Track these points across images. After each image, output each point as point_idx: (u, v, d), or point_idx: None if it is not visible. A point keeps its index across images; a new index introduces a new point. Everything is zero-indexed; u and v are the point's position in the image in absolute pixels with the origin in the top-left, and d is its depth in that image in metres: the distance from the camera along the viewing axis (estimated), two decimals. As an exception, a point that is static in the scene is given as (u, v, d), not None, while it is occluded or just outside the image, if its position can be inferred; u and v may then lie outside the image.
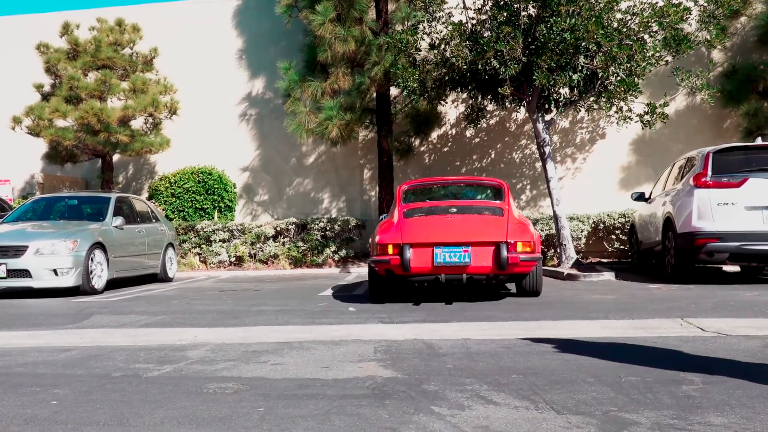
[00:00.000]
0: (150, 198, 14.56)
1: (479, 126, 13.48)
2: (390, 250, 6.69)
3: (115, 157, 14.76)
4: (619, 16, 10.06)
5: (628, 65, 9.87)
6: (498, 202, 7.70)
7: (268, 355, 4.39)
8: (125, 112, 13.15)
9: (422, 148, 14.44)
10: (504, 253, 6.46)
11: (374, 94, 13.07)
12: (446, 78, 10.99)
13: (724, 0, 10.09)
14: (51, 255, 8.68)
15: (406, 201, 7.98)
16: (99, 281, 9.18)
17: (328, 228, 13.37)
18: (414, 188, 8.63)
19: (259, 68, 15.21)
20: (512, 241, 6.54)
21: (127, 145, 13.25)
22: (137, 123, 14.05)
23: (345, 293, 8.42)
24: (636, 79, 10.05)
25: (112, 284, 9.89)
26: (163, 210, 14.04)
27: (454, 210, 7.34)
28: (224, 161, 14.80)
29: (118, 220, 9.88)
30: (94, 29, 13.81)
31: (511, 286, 8.47)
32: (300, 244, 13.40)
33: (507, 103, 11.73)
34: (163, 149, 13.94)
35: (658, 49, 10.03)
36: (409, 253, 6.58)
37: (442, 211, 7.36)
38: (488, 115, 13.78)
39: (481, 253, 6.57)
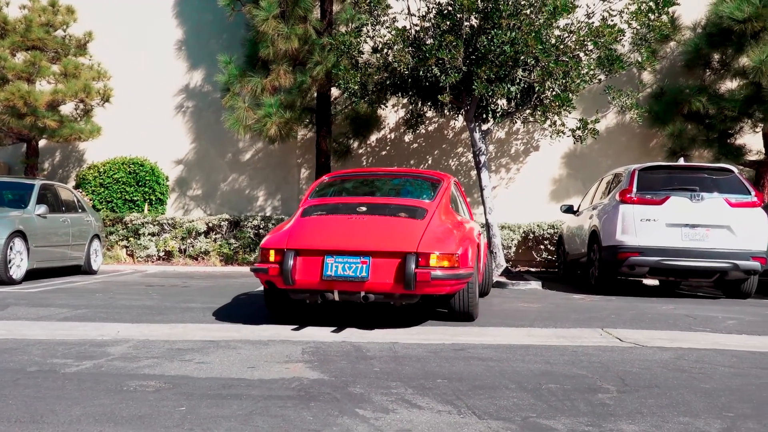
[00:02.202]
0: (77, 187, 14.06)
1: (418, 131, 13.63)
2: (271, 256, 5.39)
3: (42, 143, 14.19)
4: (557, 32, 10.37)
5: (564, 81, 10.19)
6: (425, 200, 6.12)
7: (193, 353, 4.32)
8: (54, 97, 12.66)
9: (360, 151, 14.47)
10: (411, 267, 5.07)
11: (315, 94, 13.02)
12: (387, 82, 11.06)
13: (656, 25, 10.53)
14: (-34, 242, 8.29)
15: (319, 195, 6.56)
16: (18, 271, 8.81)
17: (261, 226, 13.23)
18: (341, 179, 7.09)
19: (198, 60, 14.92)
20: (425, 252, 5.17)
21: (54, 130, 12.75)
22: (67, 108, 13.54)
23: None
24: (570, 95, 10.38)
25: (32, 275, 9.50)
26: (90, 200, 13.58)
27: (364, 209, 5.86)
28: (157, 153, 14.43)
29: (42, 209, 9.51)
30: (25, 8, 13.24)
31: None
32: (232, 241, 13.21)
33: (446, 111, 11.89)
34: (93, 137, 13.47)
35: (592, 67, 10.40)
36: (292, 261, 5.26)
37: (348, 210, 5.89)
38: (427, 122, 13.93)
39: (384, 266, 5.19)
